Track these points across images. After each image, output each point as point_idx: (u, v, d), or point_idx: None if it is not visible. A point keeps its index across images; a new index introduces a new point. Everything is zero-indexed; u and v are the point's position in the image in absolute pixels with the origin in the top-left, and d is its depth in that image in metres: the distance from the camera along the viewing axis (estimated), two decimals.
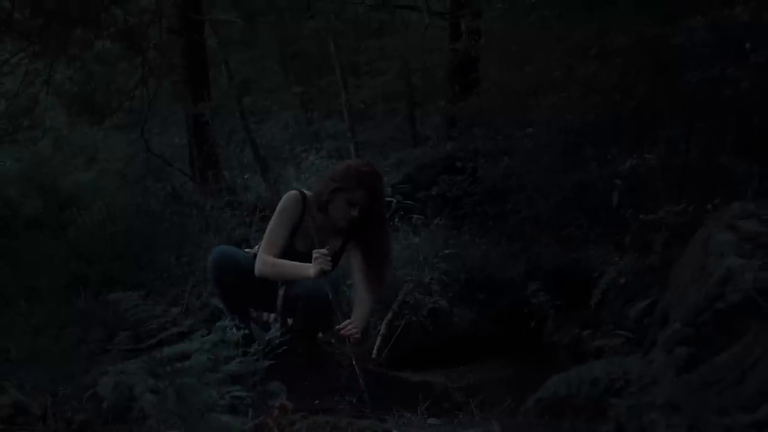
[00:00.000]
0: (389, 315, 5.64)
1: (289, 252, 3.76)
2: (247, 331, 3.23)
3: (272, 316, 3.86)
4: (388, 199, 7.68)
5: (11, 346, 4.53)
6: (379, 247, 3.84)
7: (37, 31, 7.71)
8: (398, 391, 3.88)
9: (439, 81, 10.97)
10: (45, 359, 4.02)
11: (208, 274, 3.74)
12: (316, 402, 3.53)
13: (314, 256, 3.60)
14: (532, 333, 5.79)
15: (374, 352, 5.22)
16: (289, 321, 3.80)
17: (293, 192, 3.86)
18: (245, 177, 10.47)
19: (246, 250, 4.08)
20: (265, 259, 3.71)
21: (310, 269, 3.60)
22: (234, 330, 3.12)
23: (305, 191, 3.90)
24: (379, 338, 5.38)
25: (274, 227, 3.77)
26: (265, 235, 3.80)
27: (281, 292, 3.79)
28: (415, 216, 7.47)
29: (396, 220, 7.21)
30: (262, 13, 13.24)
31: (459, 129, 8.65)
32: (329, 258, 3.62)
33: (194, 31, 9.29)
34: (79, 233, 7.66)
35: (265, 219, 5.19)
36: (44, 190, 8.79)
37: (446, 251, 6.55)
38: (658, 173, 4.97)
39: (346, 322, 3.56)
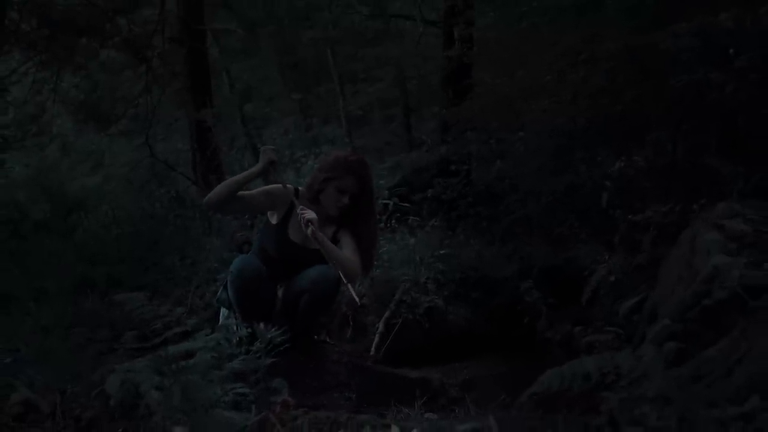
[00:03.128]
0: (387, 313, 5.64)
1: (282, 242, 3.74)
2: (250, 330, 3.22)
3: (262, 325, 3.82)
4: (385, 201, 7.70)
5: (21, 345, 4.51)
6: (366, 233, 3.83)
7: (44, 41, 7.72)
8: (396, 387, 3.87)
9: (433, 87, 10.97)
10: (54, 358, 4.00)
11: (231, 281, 3.68)
12: (318, 397, 3.52)
13: (262, 149, 3.75)
14: (525, 330, 5.80)
15: (372, 349, 5.21)
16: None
17: (288, 186, 3.85)
18: None
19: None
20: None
21: (256, 166, 3.70)
22: (237, 328, 3.10)
23: (298, 187, 3.90)
24: (377, 336, 5.38)
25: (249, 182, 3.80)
26: None
27: (280, 293, 3.77)
28: (411, 218, 7.48)
29: (393, 221, 7.20)
30: (262, 23, 13.23)
31: (453, 133, 8.65)
32: (274, 148, 3.74)
33: (196, 40, 9.26)
34: (85, 236, 7.66)
35: None
36: (52, 195, 8.78)
37: (441, 251, 6.55)
38: (646, 174, 4.98)
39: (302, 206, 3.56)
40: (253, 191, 3.76)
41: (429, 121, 11.47)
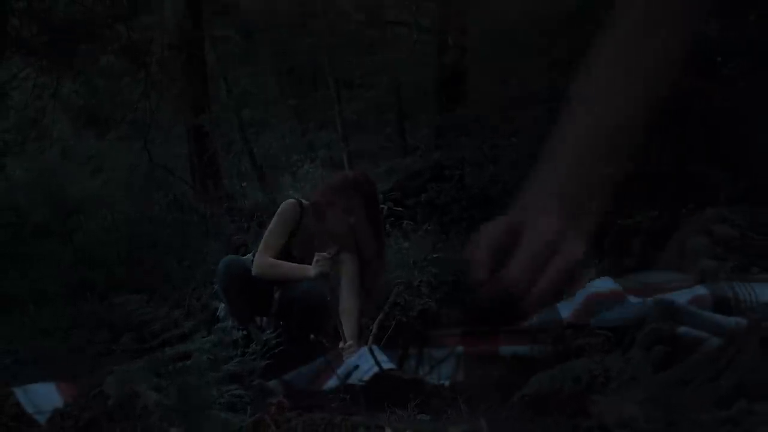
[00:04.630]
0: (380, 316, 5.62)
1: (285, 258, 3.77)
2: (245, 332, 3.22)
3: (264, 320, 3.84)
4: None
5: (20, 347, 4.51)
6: (374, 253, 3.87)
7: (44, 47, 7.71)
8: (390, 389, 3.87)
9: (427, 93, 10.98)
10: (52, 360, 4.00)
11: (217, 280, 3.72)
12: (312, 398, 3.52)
13: (315, 258, 3.65)
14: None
15: None
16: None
17: (291, 200, 3.88)
18: (243, 185, 10.46)
19: (247, 256, 4.08)
20: (264, 260, 3.71)
21: (310, 270, 3.64)
22: (234, 331, 3.11)
23: (302, 200, 3.91)
24: (371, 338, 5.37)
25: (272, 230, 3.79)
26: (263, 238, 3.81)
27: (276, 295, 3.79)
28: (405, 222, 7.46)
29: (387, 225, 7.20)
30: (259, 29, 13.23)
31: (446, 139, 8.65)
32: (330, 261, 3.65)
33: (194, 46, 9.27)
34: (85, 239, 7.64)
35: (263, 225, 5.19)
36: (52, 199, 8.75)
37: (435, 255, 6.52)
38: (635, 180, 4.98)
39: (349, 344, 3.67)
40: (277, 234, 3.80)
41: (423, 127, 11.47)
